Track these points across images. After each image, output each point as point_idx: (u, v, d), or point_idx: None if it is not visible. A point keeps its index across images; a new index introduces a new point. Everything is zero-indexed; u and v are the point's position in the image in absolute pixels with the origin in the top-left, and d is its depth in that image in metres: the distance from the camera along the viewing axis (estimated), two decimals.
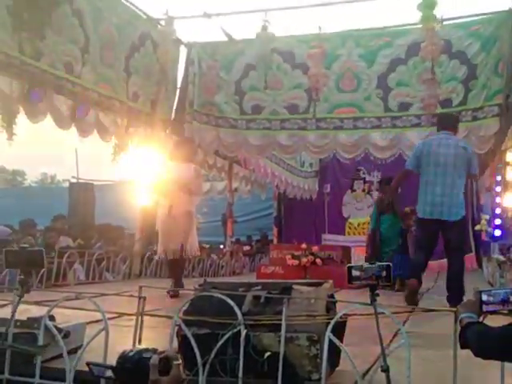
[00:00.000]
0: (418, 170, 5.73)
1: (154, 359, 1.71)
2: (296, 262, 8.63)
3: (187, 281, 7.16)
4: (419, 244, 5.91)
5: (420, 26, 7.97)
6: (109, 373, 1.84)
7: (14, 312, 2.90)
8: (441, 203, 5.52)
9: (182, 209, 6.46)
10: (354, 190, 15.10)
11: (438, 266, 8.16)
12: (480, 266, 11.60)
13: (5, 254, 2.99)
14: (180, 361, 1.78)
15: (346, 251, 9.70)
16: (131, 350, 1.81)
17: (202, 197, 6.79)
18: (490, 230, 9.00)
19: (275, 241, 14.92)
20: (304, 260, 8.58)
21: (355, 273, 2.54)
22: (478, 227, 10.88)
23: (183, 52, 9.29)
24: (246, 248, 14.18)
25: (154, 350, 1.77)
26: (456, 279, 5.55)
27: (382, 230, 8.33)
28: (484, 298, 2.23)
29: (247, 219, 16.68)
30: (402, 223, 7.97)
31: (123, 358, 1.79)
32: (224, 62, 9.04)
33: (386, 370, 2.42)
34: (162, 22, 8.85)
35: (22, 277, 2.96)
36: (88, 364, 1.91)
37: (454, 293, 5.42)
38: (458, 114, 6.27)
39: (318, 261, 8.58)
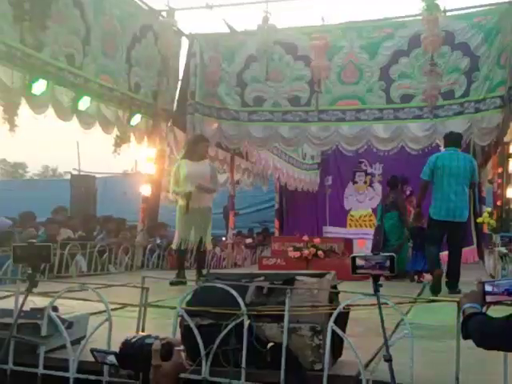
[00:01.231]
0: (432, 179, 6.49)
1: (156, 345, 1.72)
2: (298, 254, 8.64)
3: (189, 272, 7.18)
4: (432, 240, 6.66)
5: (421, 17, 7.95)
6: (111, 358, 1.85)
7: (21, 305, 2.91)
8: (454, 208, 6.37)
9: (202, 204, 6.67)
10: (356, 182, 15.06)
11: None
12: (482, 258, 11.59)
13: (13, 248, 2.99)
14: (181, 347, 1.78)
15: (348, 243, 9.72)
16: (134, 337, 1.82)
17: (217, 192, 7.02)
18: (492, 222, 8.99)
19: (277, 233, 14.91)
20: (306, 252, 8.59)
21: (359, 262, 2.53)
22: (479, 220, 10.85)
23: (185, 43, 9.28)
24: (249, 240, 14.16)
25: (156, 337, 1.78)
26: (454, 268, 6.43)
27: (385, 227, 8.67)
28: (487, 288, 2.23)
29: (249, 211, 16.67)
30: (417, 222, 8.24)
31: (126, 344, 1.80)
32: (226, 53, 9.02)
33: (388, 359, 2.42)
34: (164, 14, 8.84)
35: (30, 272, 2.96)
36: (92, 351, 1.92)
37: (453, 279, 6.34)
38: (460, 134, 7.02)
39: (320, 253, 8.59)
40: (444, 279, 6.52)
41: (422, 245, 8.30)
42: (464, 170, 6.42)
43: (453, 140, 6.68)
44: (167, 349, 1.74)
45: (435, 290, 6.25)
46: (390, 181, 9.04)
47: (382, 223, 8.81)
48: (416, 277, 8.23)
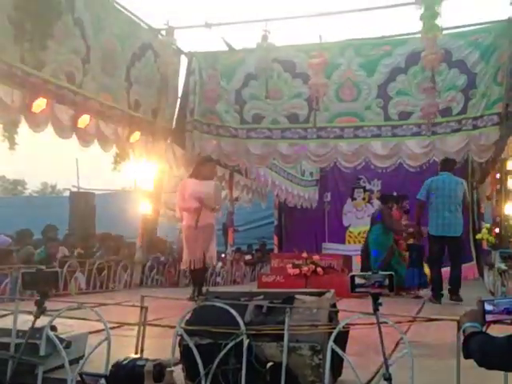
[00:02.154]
0: (428, 200, 7.36)
1: (149, 366, 1.71)
2: (297, 270, 8.60)
3: (188, 289, 7.15)
4: (433, 257, 7.57)
5: (419, 35, 8.01)
6: (103, 381, 1.83)
7: (32, 327, 2.92)
8: (448, 224, 7.24)
9: (205, 222, 6.79)
10: (355, 199, 15.07)
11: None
12: (481, 274, 11.55)
13: (22, 275, 3.07)
14: (173, 367, 1.78)
15: (347, 260, 9.70)
16: (125, 359, 1.80)
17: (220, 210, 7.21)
18: (491, 238, 9.03)
19: (276, 250, 14.85)
20: (305, 269, 8.56)
21: (358, 281, 2.53)
22: (478, 236, 10.83)
23: (184, 61, 9.34)
24: (248, 257, 14.12)
25: (147, 359, 1.77)
26: (456, 278, 7.28)
27: (368, 241, 8.86)
28: (487, 307, 2.22)
29: (248, 228, 16.63)
30: (416, 240, 8.37)
31: (116, 366, 1.79)
32: (225, 71, 9.08)
33: (388, 379, 2.40)
34: (163, 32, 8.91)
35: (39, 298, 2.99)
36: (81, 374, 1.91)
37: (455, 287, 7.19)
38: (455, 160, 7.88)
39: (319, 270, 8.55)
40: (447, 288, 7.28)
41: (419, 261, 8.37)
42: (456, 191, 7.33)
43: (447, 166, 7.57)
44: (159, 370, 1.74)
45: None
46: (380, 197, 9.22)
47: (366, 237, 9.05)
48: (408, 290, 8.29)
